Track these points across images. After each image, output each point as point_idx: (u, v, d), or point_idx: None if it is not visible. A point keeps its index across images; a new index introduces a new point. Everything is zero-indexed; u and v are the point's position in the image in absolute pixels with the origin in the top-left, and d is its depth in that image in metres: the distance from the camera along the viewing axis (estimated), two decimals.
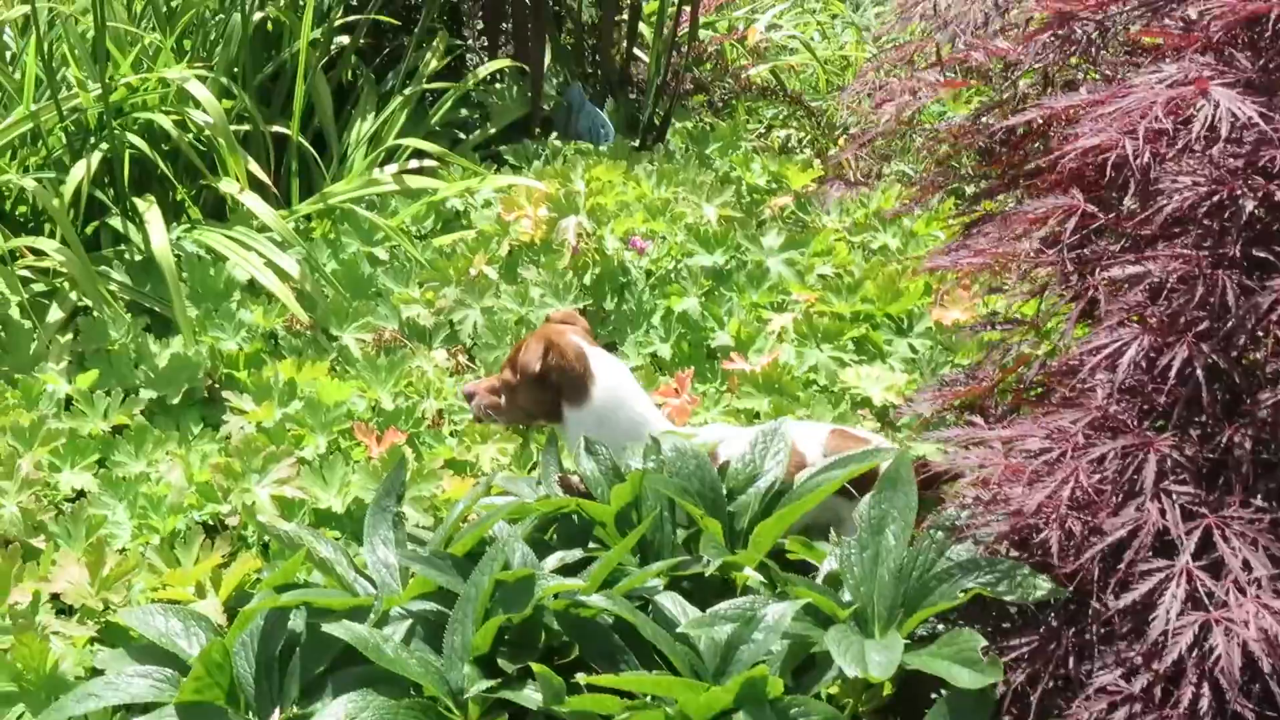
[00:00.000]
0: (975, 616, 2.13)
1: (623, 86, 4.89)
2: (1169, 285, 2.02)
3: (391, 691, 2.05)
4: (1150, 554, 1.89)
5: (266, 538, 2.68)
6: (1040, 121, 2.56)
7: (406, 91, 4.26)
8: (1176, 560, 1.86)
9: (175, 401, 3.12)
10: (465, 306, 3.39)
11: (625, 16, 4.93)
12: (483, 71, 4.54)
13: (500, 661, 2.07)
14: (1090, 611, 2.01)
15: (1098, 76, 2.53)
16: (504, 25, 4.84)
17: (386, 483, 2.42)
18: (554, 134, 4.61)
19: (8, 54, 4.07)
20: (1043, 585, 2.04)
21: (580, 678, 1.99)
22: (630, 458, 2.49)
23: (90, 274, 3.34)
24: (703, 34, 5.48)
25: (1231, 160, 2.04)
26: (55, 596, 2.51)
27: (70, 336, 3.31)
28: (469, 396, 2.70)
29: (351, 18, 4.38)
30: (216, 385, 3.22)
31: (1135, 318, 2.04)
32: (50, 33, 3.73)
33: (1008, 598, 2.05)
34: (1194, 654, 1.83)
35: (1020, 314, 2.52)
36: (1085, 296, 2.17)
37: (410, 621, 2.19)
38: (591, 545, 2.37)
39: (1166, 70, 2.14)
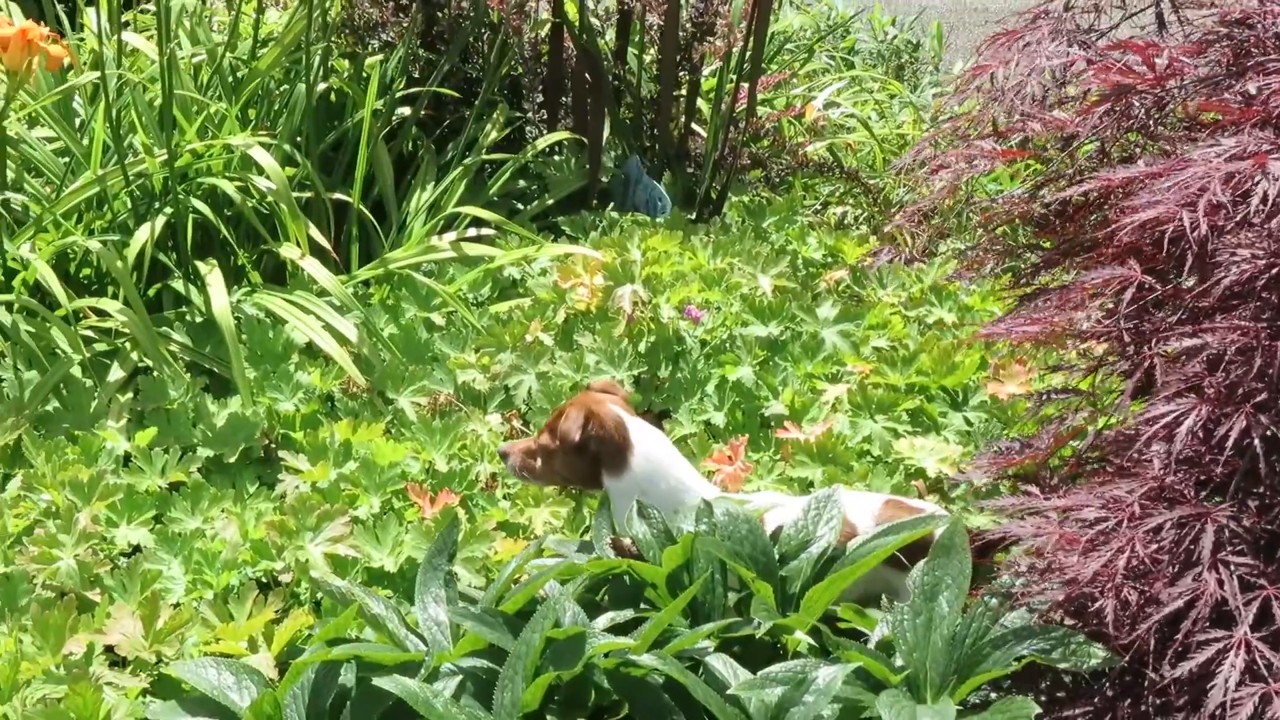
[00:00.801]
0: (1028, 685, 2.12)
1: (680, 160, 4.93)
2: (1227, 357, 2.02)
3: None
4: (1207, 624, 1.87)
5: (319, 595, 2.69)
6: (1097, 194, 2.57)
7: (466, 161, 4.31)
8: (1235, 631, 1.84)
9: (232, 460, 3.15)
10: (520, 372, 3.41)
11: (684, 92, 4.98)
12: (541, 143, 4.59)
13: (549, 718, 2.07)
14: (1146, 682, 1.99)
15: (1155, 151, 2.53)
16: (563, 99, 4.89)
17: (439, 541, 2.43)
18: (611, 206, 4.65)
19: (76, 120, 4.15)
20: (1098, 654, 2.02)
21: None
22: (682, 521, 2.50)
23: (151, 334, 3.38)
24: (760, 110, 5.52)
25: None
26: (109, 648, 2.53)
27: (130, 395, 3.35)
28: (504, 455, 2.73)
29: (413, 90, 4.44)
30: (273, 445, 3.25)
31: (1192, 389, 2.03)
32: (118, 100, 3.81)
33: (1062, 665, 2.04)
34: None
35: (1077, 387, 2.52)
36: (1142, 368, 2.17)
37: (460, 678, 2.19)
38: (642, 606, 2.37)
39: (1225, 144, 2.15)
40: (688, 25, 4.76)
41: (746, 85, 4.96)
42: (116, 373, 3.40)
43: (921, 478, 3.23)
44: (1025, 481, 2.42)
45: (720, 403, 3.38)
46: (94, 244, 3.45)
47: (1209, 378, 2.04)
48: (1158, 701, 1.97)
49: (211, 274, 3.47)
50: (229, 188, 3.66)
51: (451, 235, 4.03)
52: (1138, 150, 2.65)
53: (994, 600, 2.17)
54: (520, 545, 2.82)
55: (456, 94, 4.56)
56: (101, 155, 3.77)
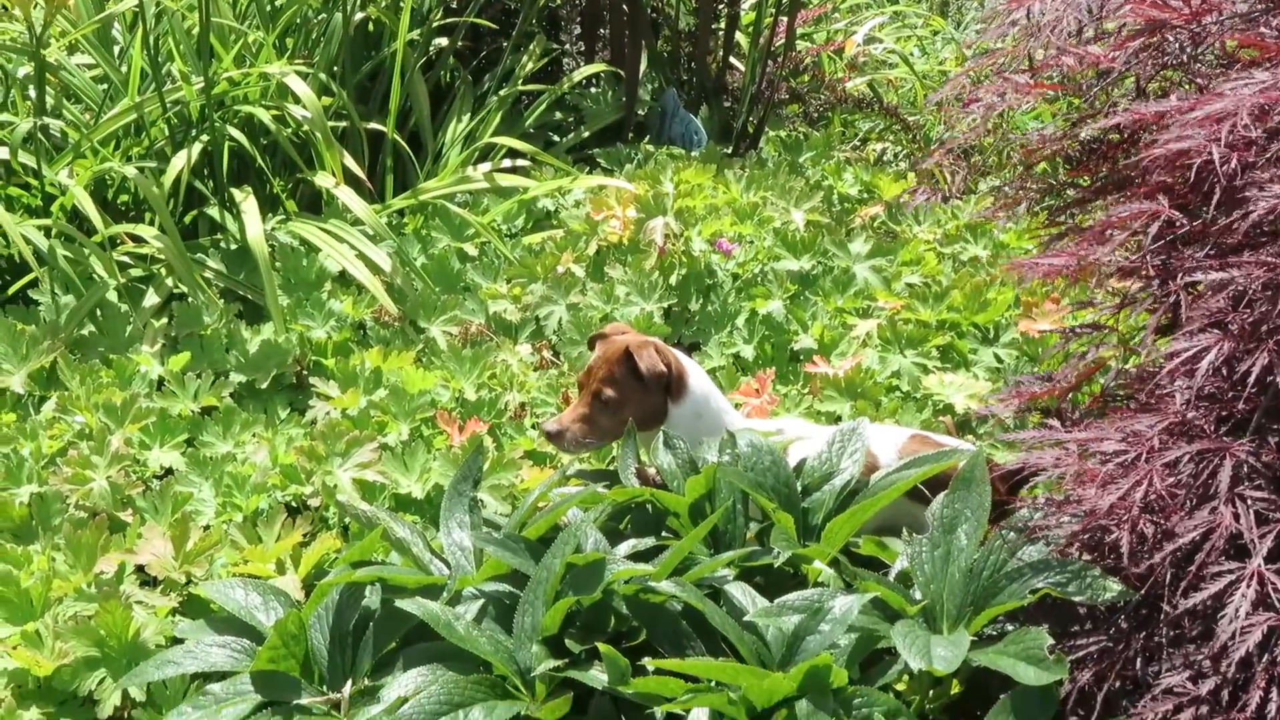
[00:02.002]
0: (1044, 617, 2.12)
1: (717, 94, 4.91)
2: (1252, 292, 2.01)
3: (461, 668, 2.09)
4: (1222, 557, 1.87)
5: (346, 519, 2.72)
6: (1129, 131, 2.56)
7: (502, 93, 4.31)
8: (1249, 563, 1.84)
9: (264, 386, 3.18)
10: (551, 303, 3.43)
11: (722, 25, 4.95)
12: (578, 75, 4.58)
13: (568, 643, 2.09)
14: (1160, 615, 2.00)
15: (1191, 88, 2.51)
16: (601, 31, 4.88)
17: (464, 468, 2.45)
18: (647, 139, 4.64)
19: (115, 48, 4.17)
20: (1113, 587, 2.02)
21: (646, 661, 2.00)
22: (706, 452, 2.51)
23: (186, 261, 3.41)
24: (800, 45, 5.49)
25: None
26: (140, 568, 2.57)
27: (165, 321, 3.38)
28: (556, 435, 2.60)
29: (450, 20, 4.44)
30: (304, 372, 3.28)
31: (1216, 324, 2.03)
32: (157, 27, 3.82)
33: (1077, 598, 2.04)
34: (1264, 658, 1.81)
35: (1104, 324, 2.51)
36: (1167, 304, 2.16)
37: (482, 602, 2.22)
38: (664, 535, 2.39)
39: (1257, 77, 2.14)
40: None
41: (785, 19, 4.93)
42: (152, 298, 3.43)
43: (950, 414, 3.23)
44: (1048, 415, 2.42)
45: (750, 336, 3.39)
46: (130, 170, 3.47)
47: (1233, 314, 2.03)
48: (1171, 633, 1.98)
49: (246, 201, 3.49)
50: (265, 116, 3.67)
51: (486, 166, 4.04)
52: (1175, 88, 2.62)
53: (1012, 534, 2.17)
54: (546, 473, 2.84)
55: (493, 25, 4.55)
56: (139, 83, 3.79)
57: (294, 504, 2.81)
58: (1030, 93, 2.63)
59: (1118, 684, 1.99)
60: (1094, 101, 2.70)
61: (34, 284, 3.41)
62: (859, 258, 3.65)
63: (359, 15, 4.22)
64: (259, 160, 3.76)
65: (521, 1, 4.63)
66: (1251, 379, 1.93)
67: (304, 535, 2.61)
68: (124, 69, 3.94)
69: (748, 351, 3.35)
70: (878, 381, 3.23)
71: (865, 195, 4.46)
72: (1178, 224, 2.16)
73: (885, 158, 5.30)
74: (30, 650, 2.32)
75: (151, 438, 2.94)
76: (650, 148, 4.50)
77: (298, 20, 4.19)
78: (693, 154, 4.46)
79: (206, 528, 2.71)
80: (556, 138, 4.63)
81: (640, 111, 4.77)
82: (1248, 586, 1.82)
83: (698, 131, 4.63)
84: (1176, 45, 2.44)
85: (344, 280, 3.56)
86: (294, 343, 3.27)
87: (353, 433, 2.86)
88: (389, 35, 4.35)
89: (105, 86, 4.03)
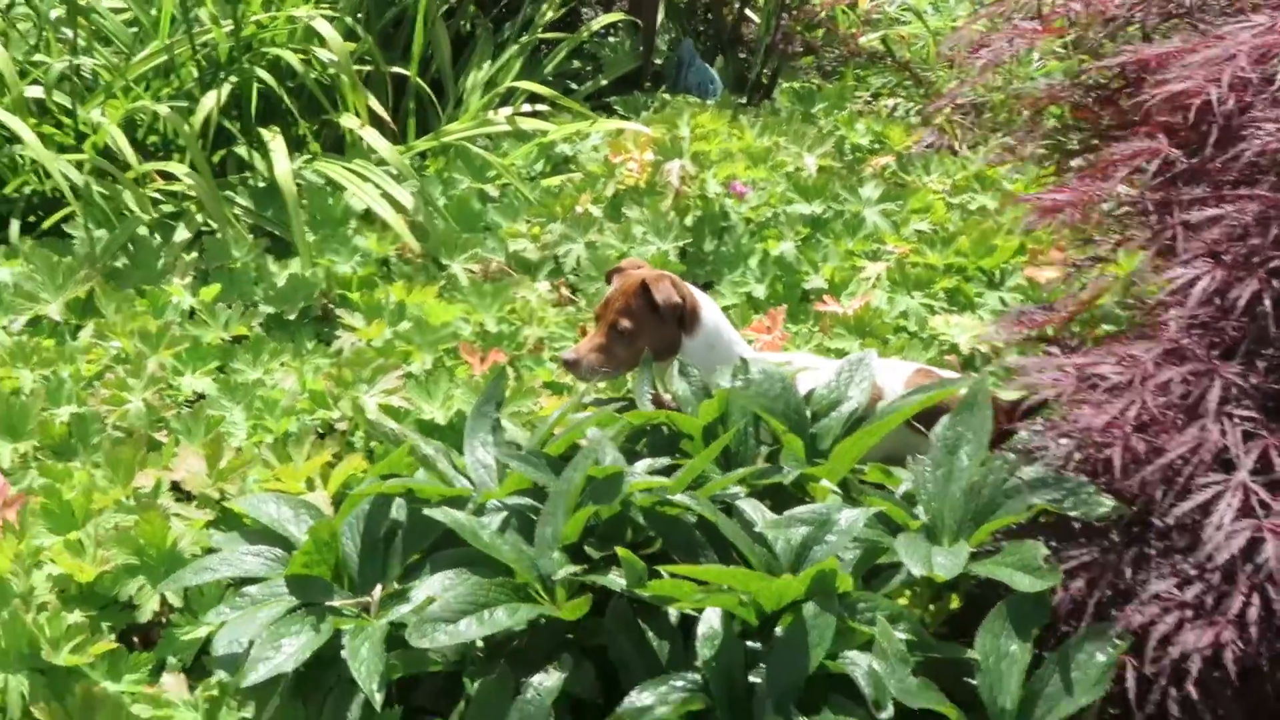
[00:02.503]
0: (1040, 533, 2.22)
1: (732, 45, 5.00)
2: (1245, 226, 2.11)
3: (485, 574, 2.19)
4: (1209, 471, 1.97)
5: (372, 443, 2.83)
6: (1133, 73, 2.64)
7: (523, 39, 4.40)
8: (1234, 475, 1.94)
9: (291, 318, 3.29)
10: (570, 241, 3.53)
11: None
12: (597, 24, 4.67)
13: (588, 549, 2.20)
14: (1150, 529, 2.10)
15: (1194, 33, 2.60)
16: None
17: (488, 390, 2.56)
18: (663, 88, 4.73)
19: None
20: (1106, 503, 2.13)
21: (661, 567, 2.11)
22: (720, 379, 2.61)
23: (216, 197, 3.51)
24: None
25: None
26: (175, 485, 2.68)
27: (194, 255, 3.48)
28: (573, 363, 2.70)
29: None
30: (330, 305, 3.38)
31: (1210, 254, 2.12)
32: None
33: (1072, 513, 2.15)
34: (1246, 566, 1.92)
35: (1104, 257, 2.61)
36: (1164, 236, 2.25)
37: (505, 514, 2.33)
38: (678, 456, 2.49)
39: (1256, 20, 2.23)
40: None
41: None
42: (181, 233, 3.53)
43: (955, 353, 3.33)
44: (1048, 344, 2.52)
45: (762, 276, 3.49)
46: (163, 109, 3.57)
47: (1227, 245, 2.12)
48: (1160, 545, 2.08)
49: (274, 140, 3.59)
50: (292, 59, 3.76)
51: (507, 111, 4.13)
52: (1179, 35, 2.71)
53: (1011, 455, 2.28)
54: (564, 402, 2.95)
55: None
56: (170, 26, 3.88)
57: (321, 429, 2.92)
58: (1037, 38, 2.71)
59: (1108, 593, 2.10)
60: (1098, 49, 2.79)
61: (67, 219, 3.51)
62: (869, 202, 3.75)
63: None
64: (286, 102, 3.85)
65: None
66: (1242, 304, 2.02)
67: (333, 456, 2.72)
68: (154, 12, 4.03)
69: (760, 291, 3.46)
70: (886, 321, 3.33)
71: (876, 145, 4.55)
72: (1177, 162, 2.26)
73: (897, 113, 5.38)
74: (73, 558, 2.43)
75: (184, 364, 3.05)
76: (666, 96, 4.60)
77: None
78: (708, 103, 4.55)
79: (238, 449, 2.82)
80: (575, 86, 4.72)
81: (657, 61, 4.86)
82: (1233, 496, 1.92)
83: (713, 81, 4.72)
84: None
85: (368, 218, 3.66)
86: (320, 277, 3.37)
87: (379, 360, 2.97)
88: None
89: (135, 30, 4.12)
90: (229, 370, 3.07)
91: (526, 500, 2.36)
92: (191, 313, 3.26)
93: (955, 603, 2.34)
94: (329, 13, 3.90)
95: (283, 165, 3.50)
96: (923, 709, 1.99)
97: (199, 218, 3.58)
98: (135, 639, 2.46)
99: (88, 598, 2.45)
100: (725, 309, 3.35)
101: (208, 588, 2.44)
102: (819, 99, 4.80)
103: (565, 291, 3.47)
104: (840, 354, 3.26)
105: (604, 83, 4.68)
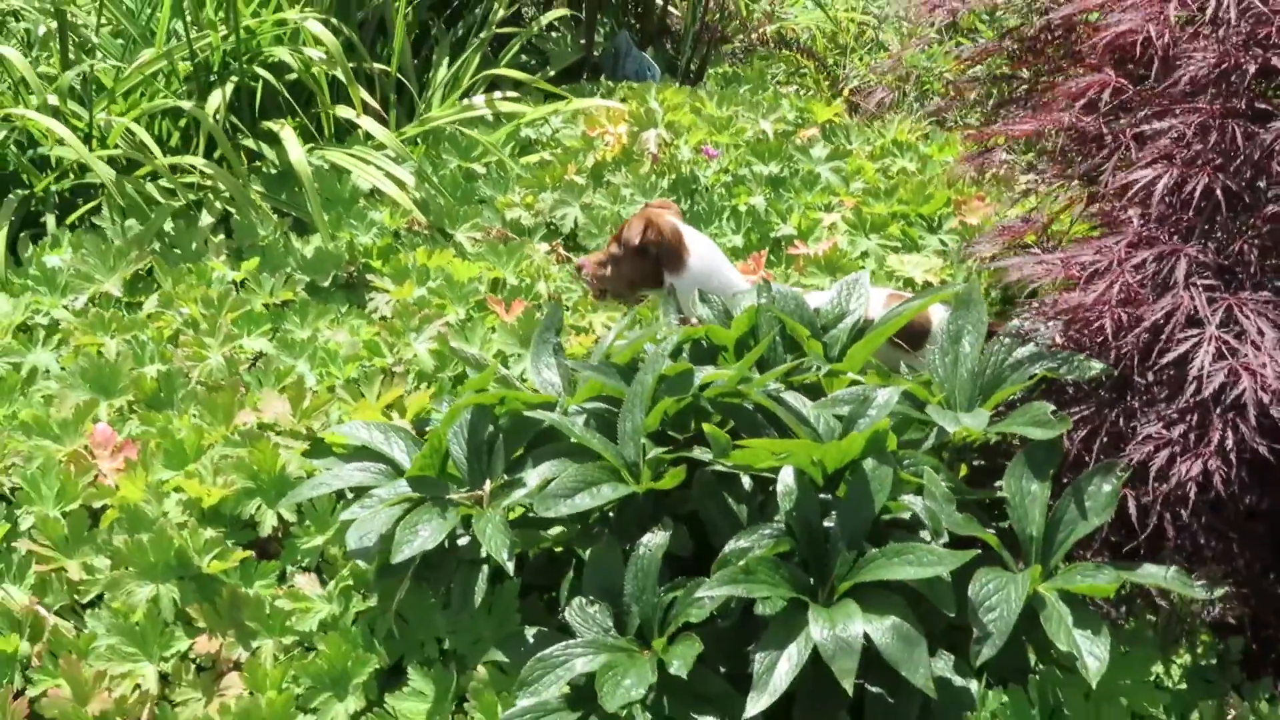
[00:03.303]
0: (1040, 399, 2.67)
1: (660, 36, 5.43)
2: (1189, 135, 2.57)
3: (581, 461, 2.58)
4: (1183, 330, 2.43)
5: (425, 383, 3.19)
6: (1059, 27, 3.12)
7: (482, 35, 4.78)
8: (1205, 329, 2.40)
9: (325, 284, 3.63)
10: (565, 205, 3.92)
11: None
12: (545, 18, 5.07)
13: (670, 434, 2.60)
14: (1133, 386, 2.56)
15: None
16: None
17: (546, 319, 2.93)
18: (602, 76, 5.13)
19: (123, 5, 4.55)
20: (1096, 365, 2.57)
21: (741, 441, 2.50)
22: (742, 301, 3.02)
23: (238, 183, 3.84)
24: None
25: (1235, 37, 2.59)
26: (263, 425, 3.01)
27: (222, 237, 3.80)
28: (580, 268, 3.23)
29: None
30: (355, 273, 3.73)
31: (1163, 158, 2.58)
32: None
33: (1069, 378, 2.59)
34: (1218, 407, 2.37)
35: (1065, 173, 3.06)
36: (1118, 151, 2.71)
37: (584, 416, 2.71)
38: (718, 366, 2.89)
39: None
40: None
41: None
42: (205, 219, 3.85)
43: (911, 285, 3.78)
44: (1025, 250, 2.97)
45: (738, 227, 3.91)
46: (186, 104, 3.89)
47: (1175, 151, 2.58)
48: (1144, 398, 2.53)
49: (284, 131, 3.93)
50: (288, 58, 4.10)
51: (481, 98, 4.50)
52: None
53: (1007, 340, 2.72)
54: (587, 340, 3.34)
55: None
56: (166, 33, 4.19)
57: (380, 373, 3.27)
58: None
59: (1105, 440, 2.54)
60: (1030, 8, 3.27)
61: (94, 212, 3.81)
62: (820, 161, 4.20)
63: None
64: (284, 95, 4.18)
65: None
66: (1196, 193, 2.48)
67: (406, 391, 3.07)
68: (143, 22, 4.33)
69: (737, 240, 3.88)
70: (850, 260, 3.77)
71: (800, 120, 5.00)
72: (1124, 90, 2.72)
73: (810, 93, 5.85)
74: (200, 484, 2.77)
75: (240, 327, 3.38)
76: (610, 84, 5.00)
77: None
78: (638, 89, 4.97)
79: (314, 391, 3.16)
80: (526, 76, 5.09)
81: (595, 52, 5.27)
82: (1209, 345, 2.37)
83: (651, 68, 5.13)
84: None
85: (373, 197, 4.01)
86: (343, 248, 3.72)
87: (424, 310, 3.33)
88: None
89: (121, 41, 4.42)
90: (281, 332, 3.41)
91: (599, 405, 2.74)
92: (240, 284, 3.59)
93: (963, 471, 2.78)
94: (316, 15, 4.24)
95: (296, 152, 3.83)
96: (965, 539, 2.41)
97: (217, 204, 3.90)
98: (254, 552, 2.80)
99: (212, 518, 2.78)
100: None
101: (320, 502, 2.78)
102: (743, 81, 5.24)
103: (562, 251, 3.86)
104: (815, 288, 3.70)
105: (551, 74, 5.07)
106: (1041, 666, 2.45)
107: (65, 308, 3.43)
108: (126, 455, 2.89)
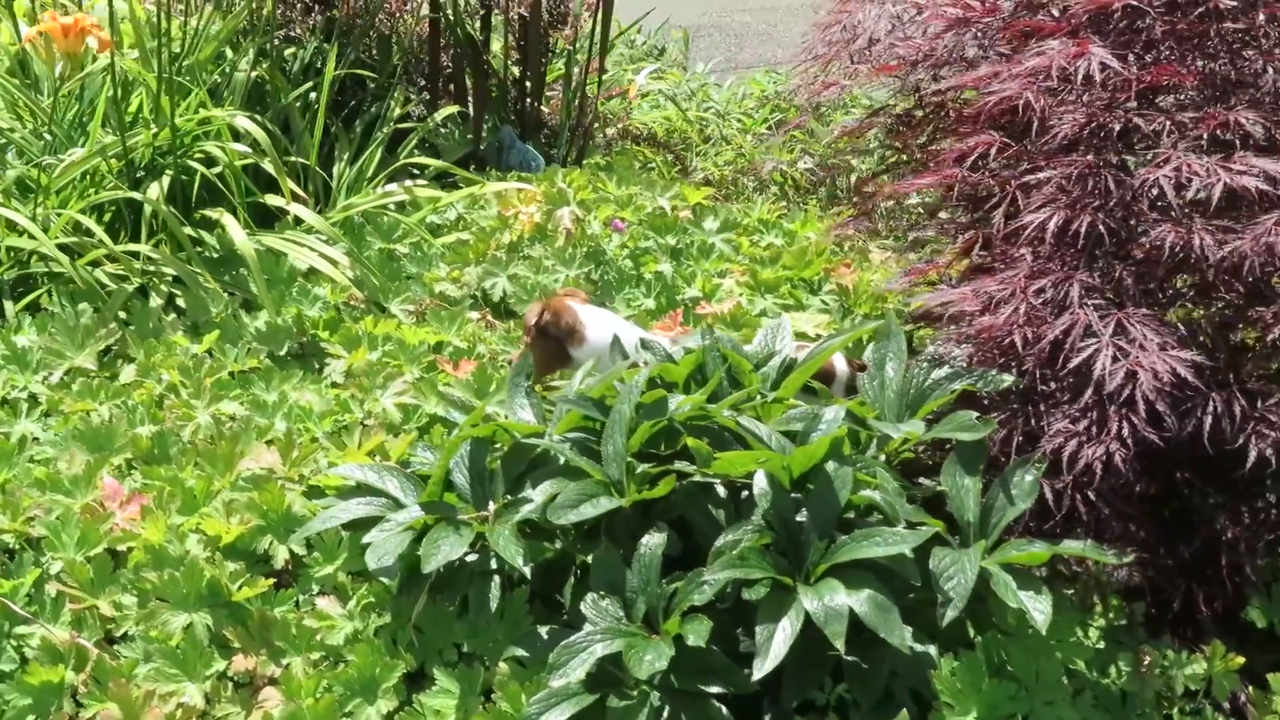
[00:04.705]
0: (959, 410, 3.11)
1: (536, 130, 5.86)
2: (1069, 183, 3.06)
3: (574, 480, 2.93)
4: (1082, 340, 2.90)
5: (400, 430, 3.51)
6: (931, 105, 3.63)
7: (384, 130, 5.14)
8: (1102, 338, 2.87)
9: (281, 354, 3.93)
10: (493, 276, 4.29)
11: (541, 73, 5.93)
12: (440, 115, 5.45)
13: (652, 451, 2.98)
14: (1040, 392, 3.02)
15: (993, 59, 3.58)
16: (439, 82, 5.76)
17: (517, 366, 3.29)
18: (488, 167, 5.52)
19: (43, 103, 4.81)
20: (1007, 378, 3.02)
21: (718, 454, 2.89)
22: (686, 342, 3.41)
23: (185, 264, 4.12)
24: (590, 90, 6.48)
25: (1099, 99, 3.10)
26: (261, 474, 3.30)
27: (173, 316, 4.07)
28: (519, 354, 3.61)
29: (318, 79, 5.25)
30: (306, 344, 4.02)
31: (1047, 203, 3.07)
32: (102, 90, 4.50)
33: (985, 390, 3.04)
34: (1113, 404, 2.83)
35: (959, 220, 3.53)
36: (1007, 199, 3.19)
37: (568, 444, 3.07)
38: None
39: (1052, 45, 3.21)
40: (545, 16, 5.71)
41: (593, 64, 5.92)
42: (155, 300, 4.12)
43: (804, 338, 4.23)
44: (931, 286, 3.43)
45: (648, 292, 4.32)
46: (137, 195, 4.17)
47: (1059, 195, 3.07)
48: (1051, 400, 3.00)
49: (225, 218, 4.23)
50: (218, 152, 4.41)
51: (393, 185, 4.86)
52: (975, 65, 3.68)
53: (925, 364, 3.17)
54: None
55: (372, 74, 5.37)
56: (98, 132, 4.47)
57: (358, 426, 3.57)
58: (876, 75, 3.66)
59: (1020, 439, 3.00)
60: (916, 87, 3.76)
61: (41, 297, 4.05)
62: (712, 232, 4.65)
63: (254, 73, 4.99)
64: (217, 186, 4.47)
65: (378, 59, 5.47)
66: (1083, 231, 2.97)
67: (383, 439, 3.39)
68: (67, 120, 4.60)
69: (649, 303, 4.29)
70: (752, 316, 4.20)
71: (676, 203, 5.47)
72: (1008, 147, 3.21)
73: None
74: (223, 521, 3.05)
75: (215, 391, 3.66)
76: (500, 174, 5.39)
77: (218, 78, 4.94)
78: (536, 176, 5.38)
79: (299, 443, 3.45)
80: (419, 169, 5.47)
81: (480, 145, 5.66)
82: (1106, 350, 2.84)
83: (535, 159, 5.54)
84: (977, 32, 3.51)
85: (310, 276, 4.32)
86: (290, 321, 4.02)
87: (386, 369, 3.66)
88: (274, 89, 5.12)
89: (42, 142, 4.68)
90: (250, 394, 3.69)
91: (579, 435, 3.11)
92: (208, 354, 3.86)
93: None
94: (239, 113, 4.56)
95: (239, 236, 4.14)
96: (914, 526, 2.83)
97: (162, 287, 4.17)
98: (274, 581, 3.08)
99: (229, 554, 3.06)
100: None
101: (327, 534, 3.07)
102: (614, 171, 5.69)
103: (489, 318, 4.22)
104: None
105: (444, 165, 5.44)
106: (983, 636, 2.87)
107: (41, 382, 3.67)
108: (139, 504, 3.15)
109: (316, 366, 3.94)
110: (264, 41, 5.11)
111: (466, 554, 2.95)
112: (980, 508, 2.90)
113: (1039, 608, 2.68)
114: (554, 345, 3.57)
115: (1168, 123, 2.99)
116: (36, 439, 3.48)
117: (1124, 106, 3.09)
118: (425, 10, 5.66)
